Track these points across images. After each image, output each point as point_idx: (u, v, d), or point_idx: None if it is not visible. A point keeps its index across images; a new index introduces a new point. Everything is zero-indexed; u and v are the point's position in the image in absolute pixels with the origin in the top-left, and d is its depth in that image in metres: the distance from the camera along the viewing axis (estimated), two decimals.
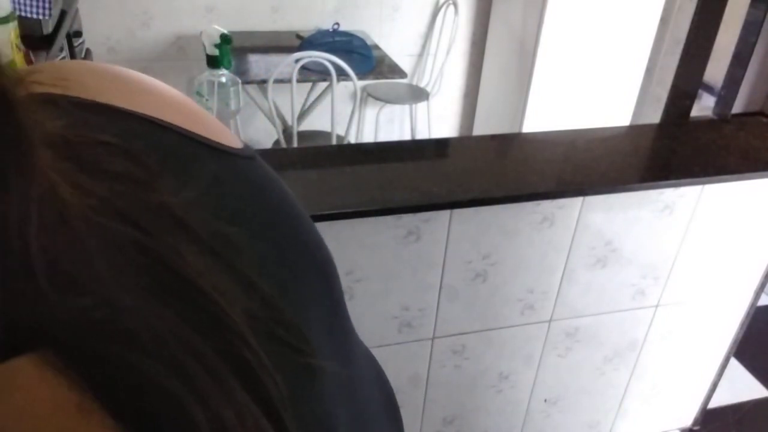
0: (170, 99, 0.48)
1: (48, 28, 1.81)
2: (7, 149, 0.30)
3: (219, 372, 0.34)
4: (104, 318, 0.32)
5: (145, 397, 0.32)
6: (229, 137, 0.48)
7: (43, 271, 0.30)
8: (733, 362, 2.18)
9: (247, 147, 0.49)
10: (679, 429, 2.08)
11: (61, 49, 2.00)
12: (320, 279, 0.51)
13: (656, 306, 1.69)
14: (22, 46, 1.25)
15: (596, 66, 3.04)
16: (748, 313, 1.84)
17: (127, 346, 0.32)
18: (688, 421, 2.07)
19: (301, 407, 0.41)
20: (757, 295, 1.81)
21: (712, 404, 2.06)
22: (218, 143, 0.46)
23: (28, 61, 1.36)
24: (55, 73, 0.43)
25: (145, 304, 0.33)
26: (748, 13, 2.93)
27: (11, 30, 1.18)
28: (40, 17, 1.75)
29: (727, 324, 1.85)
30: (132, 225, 0.35)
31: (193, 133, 0.45)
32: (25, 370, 0.31)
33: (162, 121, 0.44)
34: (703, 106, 3.09)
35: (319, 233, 0.53)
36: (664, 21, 2.87)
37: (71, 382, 0.31)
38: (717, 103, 3.53)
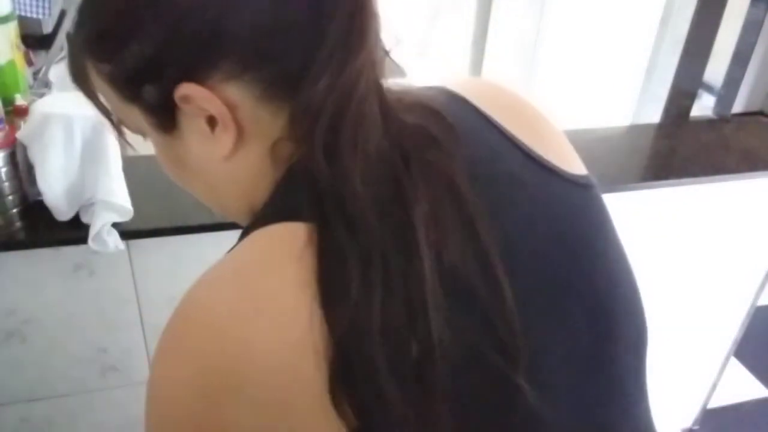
0: (530, 119, 0.56)
1: (48, 28, 1.81)
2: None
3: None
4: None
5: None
6: (571, 162, 0.56)
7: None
8: (733, 362, 2.18)
9: (587, 177, 0.57)
10: (679, 429, 2.07)
11: (61, 49, 1.99)
12: (592, 324, 0.51)
13: (656, 305, 1.69)
14: (21, 46, 1.25)
15: (596, 66, 3.04)
16: (748, 313, 1.84)
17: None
18: (688, 421, 2.07)
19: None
20: (757, 295, 1.80)
21: (712, 404, 2.06)
22: (554, 166, 0.53)
23: (28, 61, 1.36)
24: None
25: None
26: (748, 13, 2.92)
27: (11, 29, 1.18)
28: (40, 17, 1.74)
29: (727, 324, 1.85)
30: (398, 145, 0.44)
31: (535, 153, 0.52)
32: (297, 235, 0.42)
33: (514, 137, 0.52)
34: (703, 106, 3.08)
35: (634, 291, 0.56)
36: (664, 21, 2.86)
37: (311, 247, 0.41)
38: (717, 103, 3.52)
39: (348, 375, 0.39)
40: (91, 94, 0.50)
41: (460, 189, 0.44)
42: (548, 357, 0.47)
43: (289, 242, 0.42)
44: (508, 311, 0.43)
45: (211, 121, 0.45)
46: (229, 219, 0.55)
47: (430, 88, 0.55)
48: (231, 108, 0.44)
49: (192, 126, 0.46)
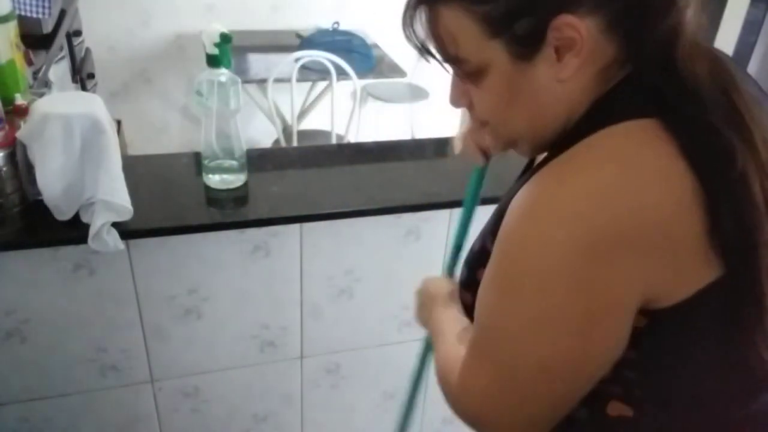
0: None
1: (48, 27, 1.81)
2: None
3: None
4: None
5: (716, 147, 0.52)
6: None
7: None
8: None
9: None
10: None
11: (61, 48, 1.99)
12: None
13: None
14: (21, 45, 1.25)
15: None
16: None
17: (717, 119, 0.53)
18: None
19: None
20: None
21: None
22: None
23: (28, 61, 1.36)
24: None
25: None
26: (748, 13, 2.92)
27: (11, 29, 1.18)
28: (40, 16, 1.74)
29: None
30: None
31: None
32: (649, 126, 0.54)
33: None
34: None
35: None
36: None
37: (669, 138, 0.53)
38: None
39: (723, 224, 0.51)
40: (432, 40, 0.60)
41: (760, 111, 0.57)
42: None
43: (642, 129, 0.54)
44: None
45: (558, 50, 0.55)
46: (534, 148, 0.65)
47: None
48: (586, 37, 0.54)
49: (544, 53, 0.55)
